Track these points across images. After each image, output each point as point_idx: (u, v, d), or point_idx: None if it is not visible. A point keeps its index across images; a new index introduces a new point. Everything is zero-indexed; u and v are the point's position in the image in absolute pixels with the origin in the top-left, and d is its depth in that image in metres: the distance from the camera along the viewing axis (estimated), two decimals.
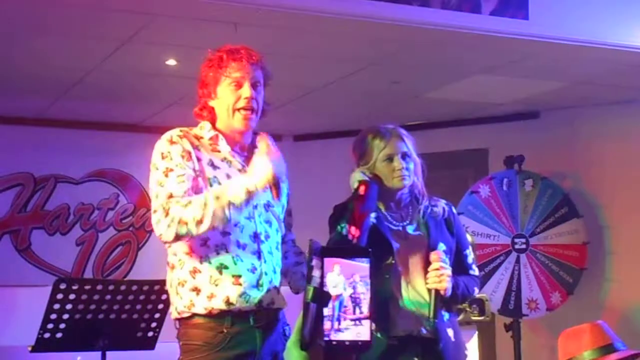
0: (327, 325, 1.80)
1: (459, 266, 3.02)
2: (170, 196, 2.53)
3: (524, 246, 5.84)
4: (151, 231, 6.45)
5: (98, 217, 6.32)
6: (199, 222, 2.48)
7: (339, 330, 1.83)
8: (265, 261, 2.65)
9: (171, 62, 4.88)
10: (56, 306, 3.63)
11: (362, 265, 1.87)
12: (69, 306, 3.65)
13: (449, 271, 2.87)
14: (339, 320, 1.83)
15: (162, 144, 2.65)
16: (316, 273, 1.80)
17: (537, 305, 5.76)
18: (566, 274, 5.76)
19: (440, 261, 2.86)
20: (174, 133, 2.68)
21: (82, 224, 6.27)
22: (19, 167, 6.14)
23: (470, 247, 3.09)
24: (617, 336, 3.16)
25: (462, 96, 5.71)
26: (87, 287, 3.67)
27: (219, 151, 2.70)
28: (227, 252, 2.59)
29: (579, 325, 3.22)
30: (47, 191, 6.22)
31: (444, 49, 4.66)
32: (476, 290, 3.04)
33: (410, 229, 2.96)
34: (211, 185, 2.61)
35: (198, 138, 2.70)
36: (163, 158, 2.61)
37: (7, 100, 5.76)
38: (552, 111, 6.12)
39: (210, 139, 2.70)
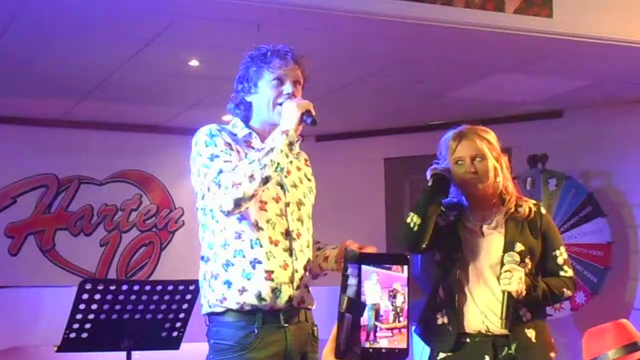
0: (363, 334, 1.78)
1: (548, 267, 3.01)
2: (220, 172, 2.56)
3: None
4: (174, 231, 6.51)
5: (121, 218, 6.35)
6: (251, 177, 2.51)
7: (375, 339, 1.82)
8: (297, 259, 2.66)
9: (194, 62, 4.89)
10: (82, 306, 3.64)
11: (400, 275, 1.84)
12: (94, 306, 3.66)
13: (520, 273, 2.85)
14: (374, 329, 1.81)
15: (203, 136, 2.67)
16: (352, 282, 1.77)
17: (562, 305, 5.72)
18: (591, 273, 5.72)
19: (512, 263, 2.85)
20: (213, 126, 2.70)
21: (105, 225, 6.31)
22: (42, 168, 6.20)
23: (561, 248, 3.04)
24: None
25: (486, 95, 5.68)
26: (112, 288, 3.68)
27: (253, 147, 2.71)
28: (261, 247, 2.60)
29: (602, 325, 3.19)
30: (70, 192, 6.27)
31: (468, 47, 4.64)
32: (566, 291, 2.99)
33: (487, 228, 2.97)
34: None
35: (233, 133, 2.73)
36: (207, 146, 2.63)
37: (31, 102, 5.80)
38: (576, 110, 6.08)
39: (244, 136, 2.73)
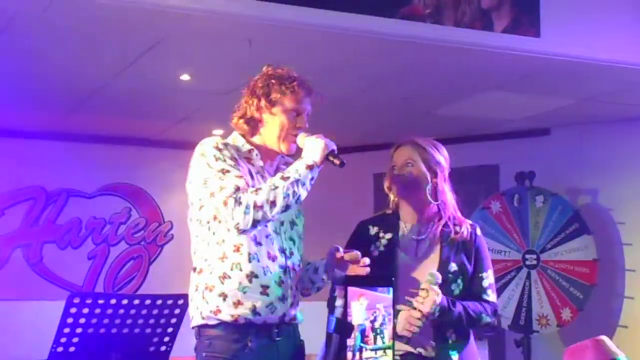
0: (349, 355, 1.80)
1: (472, 288, 2.97)
2: (238, 189, 2.57)
3: (534, 262, 5.84)
4: (163, 245, 6.51)
5: (110, 231, 6.34)
6: (272, 204, 2.54)
7: (361, 359, 1.84)
8: (290, 276, 2.69)
9: (185, 77, 4.91)
10: (70, 320, 3.63)
11: (385, 296, 1.86)
12: (82, 320, 3.64)
13: (435, 295, 2.79)
14: (360, 350, 1.83)
15: (210, 148, 2.65)
16: (339, 302, 1.80)
17: (548, 321, 5.76)
18: (576, 290, 5.76)
19: (431, 282, 2.81)
20: (219, 140, 2.69)
21: (93, 238, 6.30)
22: (30, 181, 6.18)
23: (488, 271, 3.00)
24: (619, 350, 3.17)
25: (474, 112, 5.73)
26: (100, 302, 3.67)
27: (252, 164, 2.73)
28: (258, 261, 2.62)
29: (582, 342, 3.22)
30: (58, 205, 6.25)
31: (457, 65, 4.68)
32: (485, 317, 2.93)
33: (422, 252, 2.96)
34: None
35: (235, 149, 2.72)
36: (216, 160, 2.63)
37: (20, 114, 5.80)
38: (563, 128, 6.13)
39: (244, 152, 2.74)
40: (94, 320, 3.66)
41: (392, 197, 3.04)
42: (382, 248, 2.95)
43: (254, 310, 2.60)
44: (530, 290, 5.79)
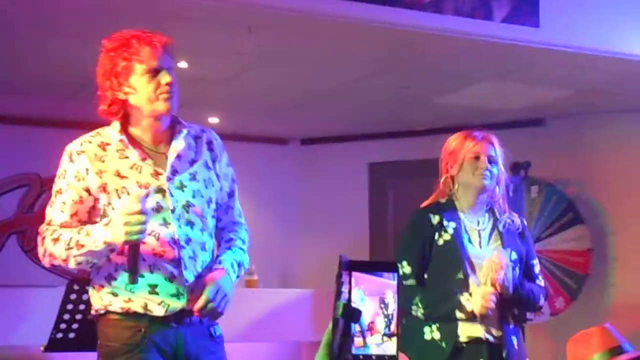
0: (354, 340, 1.80)
1: (527, 275, 3.10)
2: (50, 223, 2.50)
3: None
4: None
5: None
6: (65, 261, 2.42)
7: (366, 345, 1.84)
8: (185, 268, 2.45)
9: (183, 64, 4.89)
10: (69, 306, 3.64)
11: (391, 282, 1.87)
12: (81, 307, 3.65)
13: (500, 263, 2.91)
14: (364, 335, 1.84)
15: (64, 157, 2.56)
16: (345, 288, 1.80)
17: (541, 310, 5.79)
18: (570, 279, 5.79)
19: (498, 258, 2.93)
20: (76, 148, 2.53)
21: None
22: (26, 167, 6.15)
23: (537, 258, 3.17)
24: (624, 338, 3.20)
25: (471, 102, 5.74)
26: None
27: (127, 157, 2.49)
28: (144, 260, 2.40)
29: (585, 330, 3.26)
30: None
31: (455, 55, 4.69)
32: (542, 299, 3.11)
33: (485, 241, 3.05)
34: (119, 197, 2.43)
35: (104, 146, 2.51)
36: (59, 176, 2.55)
37: (16, 101, 5.78)
38: (559, 118, 6.15)
39: (118, 143, 2.51)
40: None
41: (452, 185, 3.08)
42: (448, 237, 3.00)
43: (145, 308, 2.43)
44: None
